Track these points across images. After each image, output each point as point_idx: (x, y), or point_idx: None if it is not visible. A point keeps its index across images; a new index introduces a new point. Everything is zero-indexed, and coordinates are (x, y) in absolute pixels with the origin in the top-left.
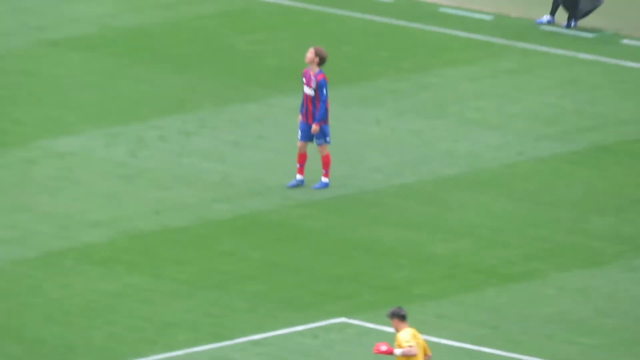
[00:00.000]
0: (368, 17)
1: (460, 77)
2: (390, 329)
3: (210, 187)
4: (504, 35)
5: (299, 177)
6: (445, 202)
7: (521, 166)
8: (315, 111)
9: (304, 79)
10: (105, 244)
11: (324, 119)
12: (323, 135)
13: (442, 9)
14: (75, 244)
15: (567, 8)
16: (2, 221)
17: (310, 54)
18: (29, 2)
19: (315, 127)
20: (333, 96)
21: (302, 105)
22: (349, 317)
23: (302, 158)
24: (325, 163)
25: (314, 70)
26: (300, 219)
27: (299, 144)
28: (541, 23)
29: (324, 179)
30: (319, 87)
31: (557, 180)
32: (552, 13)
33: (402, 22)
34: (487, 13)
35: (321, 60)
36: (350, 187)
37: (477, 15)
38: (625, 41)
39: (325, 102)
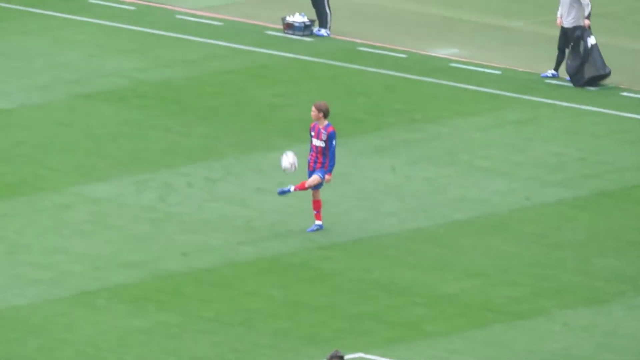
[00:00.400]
0: (382, 71)
1: (470, 127)
2: None
3: (235, 231)
4: (511, 88)
5: (318, 222)
6: (457, 245)
7: (528, 211)
8: (325, 161)
9: (312, 133)
10: (136, 283)
11: (332, 165)
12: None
13: (452, 64)
14: (107, 283)
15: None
16: (39, 262)
17: (313, 112)
18: (65, 58)
19: (328, 177)
20: (350, 145)
21: (311, 156)
22: (367, 352)
23: (317, 204)
24: (316, 206)
25: (322, 124)
26: (320, 261)
27: (312, 192)
28: (546, 77)
29: (318, 222)
30: (329, 139)
31: (562, 223)
32: (556, 68)
33: (414, 76)
34: (496, 68)
35: (325, 114)
36: (368, 230)
37: (486, 70)
38: (625, 94)
39: (334, 152)
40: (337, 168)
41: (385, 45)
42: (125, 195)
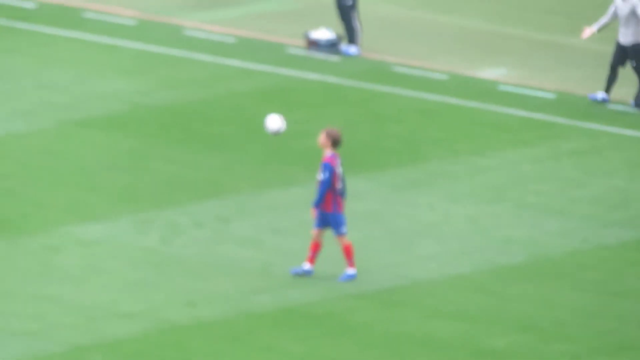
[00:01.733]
0: (419, 94)
1: (520, 159)
2: None
3: (249, 277)
4: (568, 114)
5: (307, 266)
6: (504, 293)
7: (585, 254)
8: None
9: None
10: (136, 338)
11: (321, 203)
12: (336, 224)
13: (501, 87)
14: (103, 337)
15: None
16: (25, 312)
17: (322, 137)
18: (55, 78)
19: (312, 212)
20: (382, 179)
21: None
22: None
23: (315, 247)
24: (347, 253)
25: (327, 153)
26: (346, 312)
27: (312, 231)
28: (595, 100)
29: (349, 270)
30: (322, 169)
31: (624, 269)
32: (607, 90)
33: (456, 100)
34: (549, 91)
35: (334, 143)
36: (402, 277)
37: (539, 93)
38: None
39: (324, 185)
40: (367, 205)
41: (423, 64)
42: (123, 236)
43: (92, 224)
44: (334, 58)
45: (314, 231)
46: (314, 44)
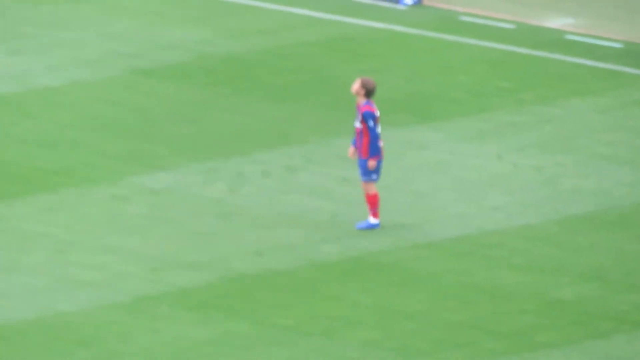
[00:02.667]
0: (487, 44)
1: (588, 108)
2: None
3: (317, 227)
4: (636, 64)
5: (373, 221)
6: (572, 244)
7: None
8: (362, 145)
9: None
10: (202, 287)
11: (377, 153)
12: (369, 171)
13: (567, 36)
14: (168, 287)
15: None
16: (90, 262)
17: (356, 84)
18: (118, 28)
19: (372, 163)
20: (448, 129)
21: (356, 141)
22: None
23: (372, 200)
24: (372, 203)
25: (360, 101)
26: (414, 261)
27: (364, 185)
28: None
29: (372, 220)
30: (365, 119)
31: None
32: None
33: (523, 50)
34: (617, 40)
35: (368, 92)
36: (469, 227)
37: (606, 43)
38: None
39: (375, 134)
40: (434, 155)
41: (490, 14)
42: (189, 185)
43: (158, 174)
44: (400, 7)
45: (364, 184)
46: None
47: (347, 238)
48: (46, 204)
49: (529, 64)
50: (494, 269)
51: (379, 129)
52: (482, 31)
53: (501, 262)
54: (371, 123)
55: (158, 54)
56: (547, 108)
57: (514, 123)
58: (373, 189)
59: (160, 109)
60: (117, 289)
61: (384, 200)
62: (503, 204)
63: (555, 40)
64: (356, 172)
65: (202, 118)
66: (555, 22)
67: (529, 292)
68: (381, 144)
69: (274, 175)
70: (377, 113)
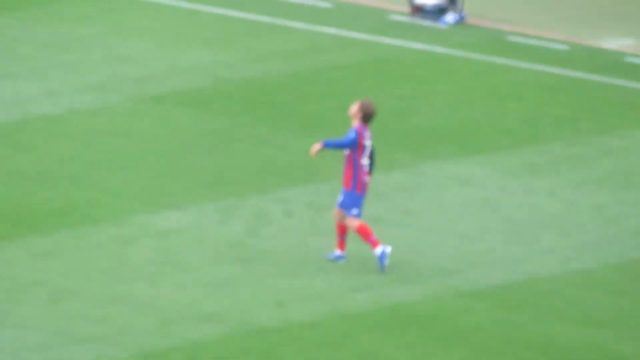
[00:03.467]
0: (538, 67)
1: None
2: None
3: (345, 273)
4: None
5: (380, 249)
6: (634, 292)
7: None
8: (347, 174)
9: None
10: (217, 342)
11: (333, 145)
12: (349, 204)
13: (627, 58)
14: (179, 342)
15: None
16: (92, 314)
17: (355, 106)
18: (126, 49)
19: (316, 145)
20: (497, 163)
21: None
22: None
23: (341, 229)
24: (364, 235)
25: (354, 125)
26: (457, 313)
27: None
28: None
29: (377, 250)
30: (348, 135)
31: None
32: None
33: (579, 74)
34: None
35: (364, 117)
36: (519, 273)
37: None
38: None
39: (347, 141)
40: (480, 192)
41: (539, 33)
42: (204, 226)
43: (169, 213)
44: (442, 26)
45: (335, 211)
46: (419, 10)
47: (380, 286)
48: (41, 248)
49: (585, 90)
50: (546, 322)
51: (364, 160)
52: (532, 53)
53: (555, 313)
54: (352, 135)
55: (170, 78)
56: (607, 139)
57: (570, 156)
58: (356, 222)
59: (173, 140)
60: (121, 345)
61: (422, 244)
62: (557, 246)
63: (613, 62)
64: (388, 211)
65: (219, 150)
66: (612, 42)
67: (587, 348)
68: (367, 178)
69: (297, 214)
70: (368, 142)
